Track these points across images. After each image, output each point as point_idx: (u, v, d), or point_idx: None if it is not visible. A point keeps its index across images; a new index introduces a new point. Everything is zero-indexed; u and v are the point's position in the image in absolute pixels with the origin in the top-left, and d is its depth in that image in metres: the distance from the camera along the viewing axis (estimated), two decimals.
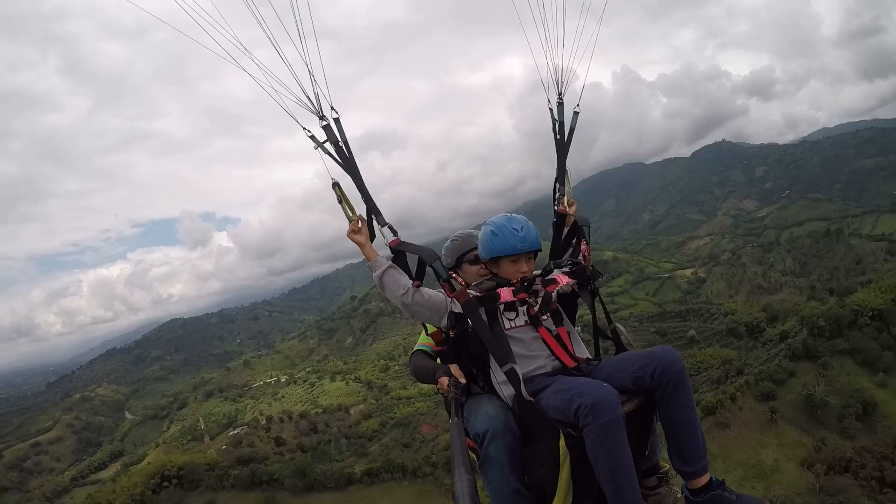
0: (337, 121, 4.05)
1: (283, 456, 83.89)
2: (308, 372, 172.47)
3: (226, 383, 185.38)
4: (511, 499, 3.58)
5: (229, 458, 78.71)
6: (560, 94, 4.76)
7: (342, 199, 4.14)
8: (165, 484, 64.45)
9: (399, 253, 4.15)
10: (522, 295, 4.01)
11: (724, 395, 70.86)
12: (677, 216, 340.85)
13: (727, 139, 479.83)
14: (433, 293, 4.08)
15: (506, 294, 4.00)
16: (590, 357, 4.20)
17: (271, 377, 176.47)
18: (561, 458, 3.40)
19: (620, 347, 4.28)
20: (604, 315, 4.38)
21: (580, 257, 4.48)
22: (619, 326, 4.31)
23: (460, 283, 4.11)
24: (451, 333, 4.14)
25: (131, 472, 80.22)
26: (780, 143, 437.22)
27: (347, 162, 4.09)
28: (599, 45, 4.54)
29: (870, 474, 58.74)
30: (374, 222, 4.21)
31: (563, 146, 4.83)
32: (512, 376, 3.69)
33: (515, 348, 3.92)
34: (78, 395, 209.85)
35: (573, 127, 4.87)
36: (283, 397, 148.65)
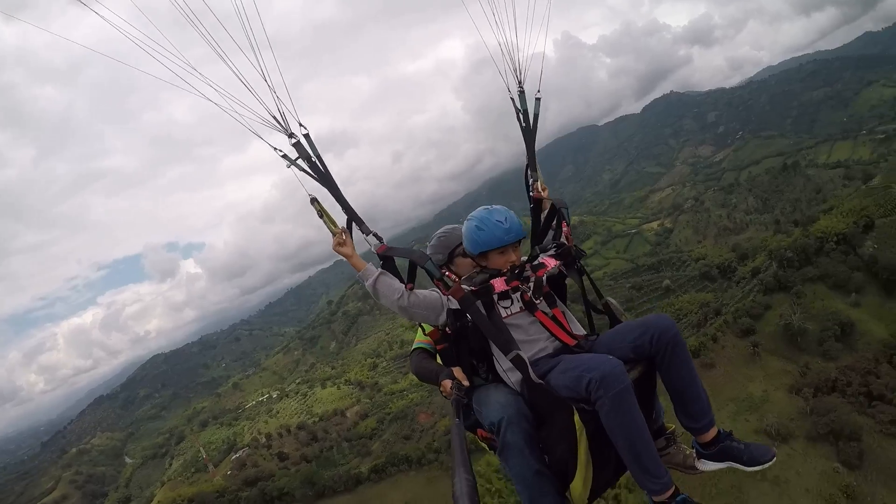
0: (307, 136, 4.01)
1: (289, 469, 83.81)
2: (298, 383, 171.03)
3: (219, 409, 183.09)
4: (534, 480, 3.72)
5: (237, 482, 78.59)
6: (520, 82, 4.80)
7: (323, 213, 4.10)
8: None
9: (387, 259, 4.23)
10: (515, 283, 4.14)
11: (706, 337, 73.14)
12: (636, 172, 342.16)
13: (675, 90, 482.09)
14: (427, 293, 4.15)
15: (499, 284, 4.11)
16: (587, 333, 4.39)
17: (263, 395, 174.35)
18: (578, 434, 3.59)
19: (614, 320, 4.44)
20: (594, 291, 4.55)
21: (562, 238, 4.63)
22: (611, 300, 4.48)
23: (454, 280, 4.16)
24: (449, 330, 4.25)
25: None
26: (727, 87, 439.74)
27: (323, 176, 4.07)
28: (539, 15, 4.60)
29: (857, 391, 61.72)
30: (359, 231, 4.24)
31: (529, 133, 4.89)
32: (518, 362, 3.85)
33: (515, 334, 4.06)
34: (74, 450, 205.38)
35: (537, 113, 4.91)
36: (278, 413, 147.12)
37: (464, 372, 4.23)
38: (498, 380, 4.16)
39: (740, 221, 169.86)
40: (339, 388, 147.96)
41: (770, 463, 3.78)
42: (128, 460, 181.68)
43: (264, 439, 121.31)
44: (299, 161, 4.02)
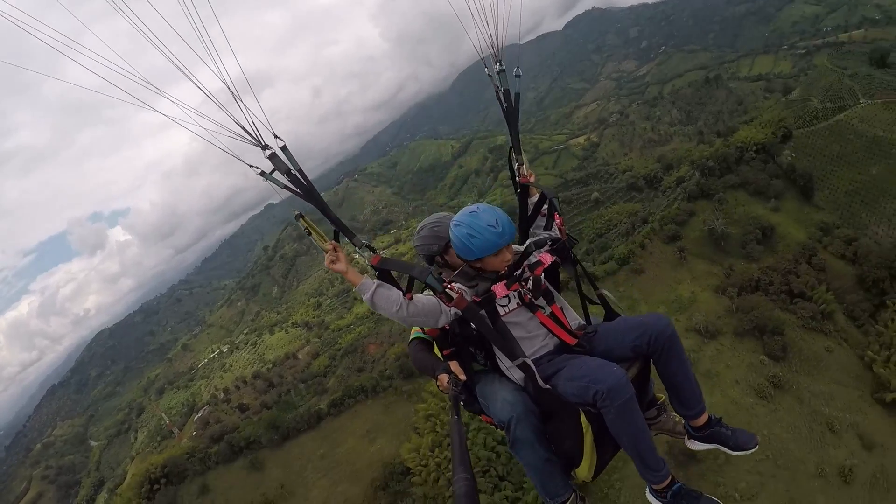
0: (284, 149, 3.84)
1: (252, 419, 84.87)
2: (246, 334, 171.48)
3: (173, 374, 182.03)
4: (545, 467, 4.01)
5: (203, 440, 78.75)
6: (499, 60, 4.71)
7: (310, 230, 3.95)
8: (156, 486, 64.42)
9: (383, 271, 4.11)
10: (516, 287, 4.16)
11: (634, 244, 75.32)
12: (561, 89, 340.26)
13: (597, 6, 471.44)
14: (426, 300, 4.09)
15: (500, 290, 4.11)
16: (583, 323, 4.53)
17: (213, 352, 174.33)
18: (584, 430, 3.88)
19: (609, 310, 4.57)
20: (588, 281, 4.69)
21: (554, 229, 4.73)
22: (606, 292, 4.59)
23: (455, 292, 4.00)
24: (448, 326, 4.34)
25: (119, 493, 79.54)
26: (650, 2, 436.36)
27: (305, 189, 3.93)
28: None
29: (778, 289, 65.93)
30: (351, 244, 4.15)
31: (512, 113, 4.80)
32: (526, 369, 3.96)
33: (515, 331, 4.14)
34: (38, 446, 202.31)
35: (518, 92, 4.81)
36: (232, 366, 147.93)
37: (462, 358, 4.41)
38: (497, 367, 4.31)
39: (665, 133, 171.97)
40: (286, 332, 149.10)
41: (754, 450, 4.21)
42: (93, 444, 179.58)
43: (223, 394, 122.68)
44: (277, 175, 3.85)
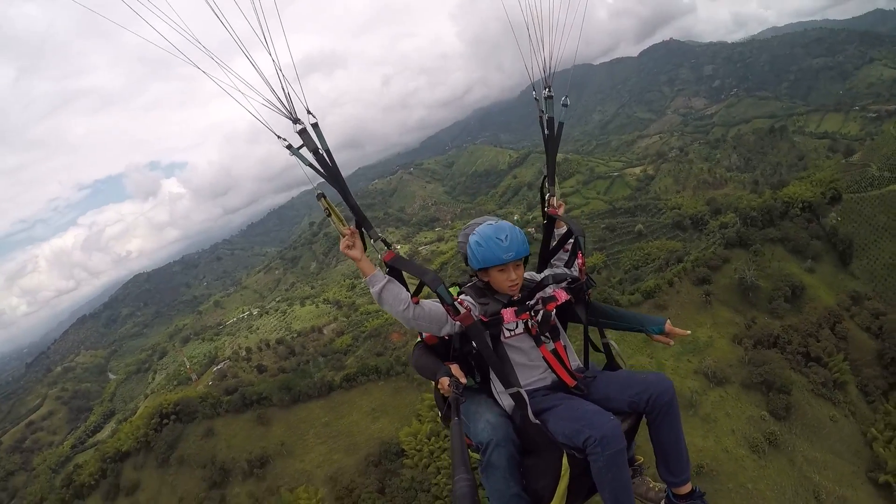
0: (315, 126, 3.72)
1: (268, 380, 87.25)
2: (278, 301, 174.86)
3: (200, 326, 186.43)
4: (510, 500, 3.80)
5: (218, 391, 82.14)
6: (549, 86, 4.62)
7: (330, 211, 3.88)
8: (165, 421, 67.30)
9: (394, 268, 4.05)
10: (525, 316, 4.07)
11: (663, 280, 75.72)
12: (627, 115, 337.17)
13: (675, 38, 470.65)
14: (433, 306, 4.02)
15: (509, 315, 4.05)
16: (581, 367, 4.40)
17: (243, 312, 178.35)
18: (562, 473, 3.72)
19: (611, 360, 4.45)
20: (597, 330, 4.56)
21: (574, 268, 4.58)
22: (612, 343, 4.48)
23: (464, 308, 3.98)
24: (448, 337, 4.27)
25: (130, 421, 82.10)
26: (728, 42, 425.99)
27: (330, 171, 3.81)
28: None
29: (796, 349, 65.46)
30: (366, 235, 4.06)
31: (553, 142, 4.74)
32: (518, 399, 3.88)
33: (516, 357, 4.09)
34: (59, 368, 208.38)
35: (562, 121, 4.77)
36: (258, 329, 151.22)
37: (462, 364, 4.26)
38: (488, 388, 4.26)
39: (720, 177, 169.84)
40: (317, 306, 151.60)
41: None
42: (111, 376, 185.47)
43: (244, 353, 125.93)
44: (304, 151, 3.76)
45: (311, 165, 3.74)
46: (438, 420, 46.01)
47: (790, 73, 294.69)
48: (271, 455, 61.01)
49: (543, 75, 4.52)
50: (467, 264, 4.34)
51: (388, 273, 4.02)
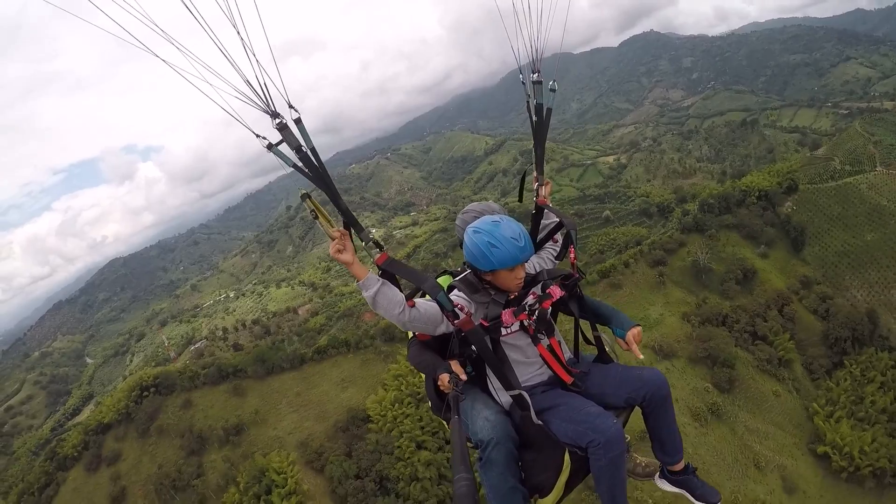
0: (298, 121, 3.29)
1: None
2: (254, 284, 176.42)
3: (177, 309, 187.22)
4: (508, 493, 3.81)
5: (196, 366, 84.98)
6: (537, 70, 4.40)
7: (317, 212, 3.46)
8: (145, 394, 69.13)
9: (387, 272, 3.81)
10: (523, 316, 4.01)
11: (618, 261, 78.67)
12: (605, 105, 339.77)
13: (655, 29, 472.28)
14: (428, 307, 3.82)
15: (508, 317, 3.97)
16: (572, 358, 4.39)
17: (220, 295, 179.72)
18: (563, 468, 3.84)
19: (603, 353, 4.38)
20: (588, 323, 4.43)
21: (567, 260, 4.50)
22: (604, 336, 4.42)
23: (464, 313, 3.74)
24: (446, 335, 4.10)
25: (110, 394, 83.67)
26: (709, 35, 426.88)
27: (316, 171, 3.44)
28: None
29: (743, 328, 69.19)
30: (357, 237, 3.73)
31: (541, 128, 4.57)
32: (520, 401, 3.83)
33: (513, 354, 4.06)
34: (36, 354, 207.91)
35: (550, 107, 4.55)
36: (234, 310, 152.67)
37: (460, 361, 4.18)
38: (484, 384, 4.23)
39: (690, 167, 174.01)
40: (292, 288, 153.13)
41: None
42: (89, 360, 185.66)
43: (221, 333, 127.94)
44: (284, 148, 3.34)
45: (294, 166, 3.40)
46: (426, 406, 48.22)
47: (767, 68, 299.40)
48: (246, 423, 63.55)
49: (531, 58, 4.33)
50: (462, 246, 4.21)
51: (381, 275, 3.79)
